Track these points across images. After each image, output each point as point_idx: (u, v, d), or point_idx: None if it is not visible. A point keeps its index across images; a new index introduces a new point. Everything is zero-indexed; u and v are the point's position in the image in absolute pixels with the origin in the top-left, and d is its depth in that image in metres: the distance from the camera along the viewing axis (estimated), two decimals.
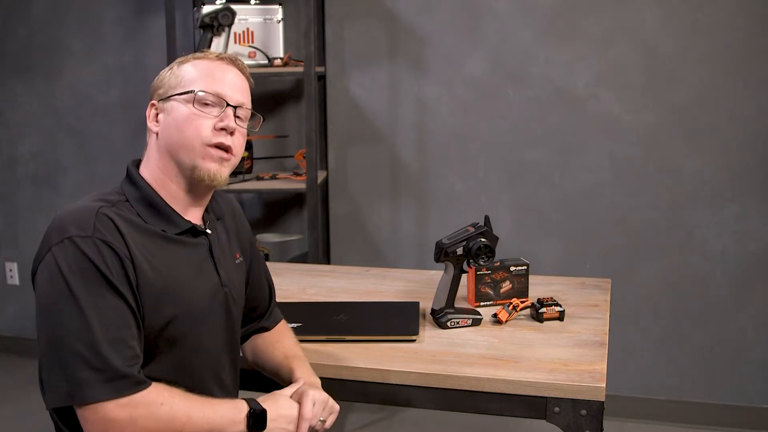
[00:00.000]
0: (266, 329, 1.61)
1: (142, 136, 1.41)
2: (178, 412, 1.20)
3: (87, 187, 3.31)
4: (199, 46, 2.86)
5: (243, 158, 2.94)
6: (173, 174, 1.36)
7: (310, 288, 2.08)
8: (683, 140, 2.83)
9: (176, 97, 1.35)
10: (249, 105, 1.41)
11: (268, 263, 2.70)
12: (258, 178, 2.94)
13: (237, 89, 1.38)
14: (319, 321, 1.76)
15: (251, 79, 1.43)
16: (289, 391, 1.39)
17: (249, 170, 2.98)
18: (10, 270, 3.64)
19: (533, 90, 2.93)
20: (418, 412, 2.94)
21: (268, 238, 3.01)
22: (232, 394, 1.45)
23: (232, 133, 1.36)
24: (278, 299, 1.95)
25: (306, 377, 1.44)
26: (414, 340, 1.66)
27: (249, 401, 1.30)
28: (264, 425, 1.28)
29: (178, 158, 1.35)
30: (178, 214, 1.36)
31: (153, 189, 1.35)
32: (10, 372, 3.46)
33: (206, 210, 1.44)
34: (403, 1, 3.01)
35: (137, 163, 1.40)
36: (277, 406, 1.33)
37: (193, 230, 1.38)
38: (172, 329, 1.30)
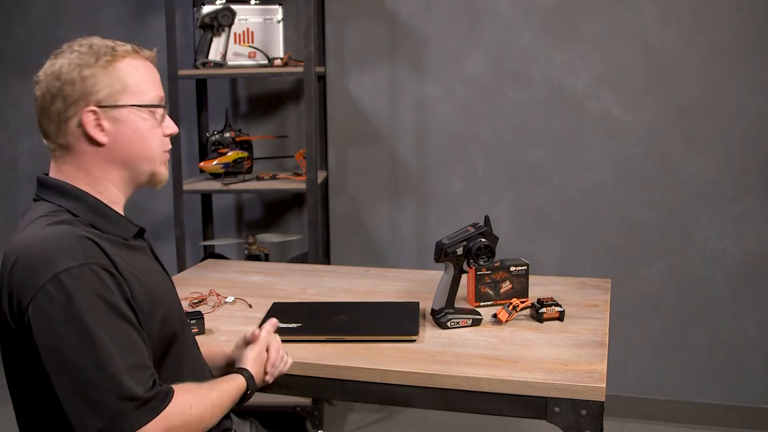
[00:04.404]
0: None
1: None
2: (203, 408, 1.26)
3: None
4: (199, 47, 2.86)
5: (243, 158, 2.94)
6: (120, 181, 1.33)
7: (310, 288, 2.08)
8: (683, 140, 2.83)
9: (132, 108, 1.29)
10: None
11: (268, 263, 2.71)
12: (258, 178, 2.94)
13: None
14: (319, 321, 1.76)
15: None
16: (254, 350, 1.48)
17: (249, 170, 2.98)
18: None
19: (533, 90, 2.93)
20: (418, 412, 2.94)
21: (268, 238, 3.01)
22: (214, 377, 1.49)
23: None
24: (278, 299, 1.95)
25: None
26: (414, 340, 1.65)
27: (239, 372, 1.41)
28: (254, 387, 1.43)
29: (136, 168, 1.33)
30: (125, 218, 1.34)
31: (95, 198, 1.30)
32: None
33: None
34: (403, 1, 3.01)
35: (50, 177, 1.32)
36: (253, 363, 1.45)
37: (140, 232, 1.37)
38: (165, 330, 1.31)
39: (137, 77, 1.31)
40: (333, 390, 1.57)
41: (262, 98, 3.22)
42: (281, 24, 2.91)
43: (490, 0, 2.93)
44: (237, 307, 1.94)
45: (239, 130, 2.97)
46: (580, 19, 2.86)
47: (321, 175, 3.01)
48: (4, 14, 3.46)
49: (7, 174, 3.60)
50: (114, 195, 1.33)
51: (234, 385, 1.38)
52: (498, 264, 1.87)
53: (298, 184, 2.85)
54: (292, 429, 2.94)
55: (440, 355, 1.58)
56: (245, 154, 2.95)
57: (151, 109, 1.32)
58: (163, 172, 1.37)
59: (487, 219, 1.75)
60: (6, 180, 3.60)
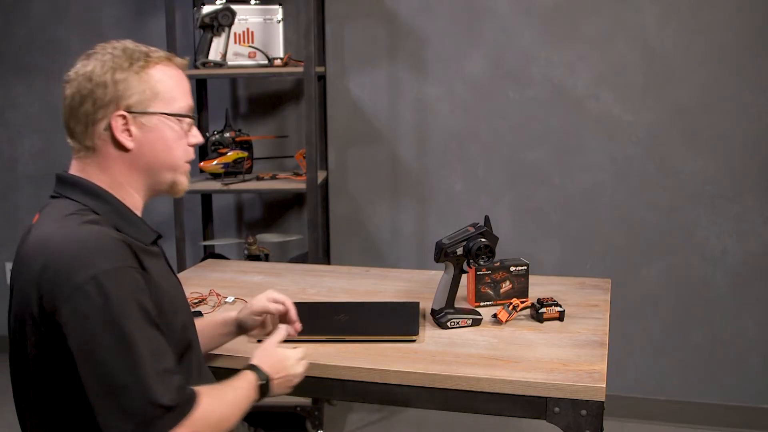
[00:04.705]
0: None
1: None
2: (224, 409, 1.27)
3: None
4: (199, 47, 2.86)
5: (243, 158, 2.94)
6: (141, 187, 1.33)
7: (310, 288, 2.08)
8: (683, 140, 2.83)
9: (161, 116, 1.29)
10: None
11: (268, 263, 2.71)
12: (258, 178, 2.93)
13: None
14: (319, 321, 1.75)
15: None
16: (273, 341, 1.47)
17: (249, 170, 2.98)
18: (10, 270, 3.64)
19: (533, 90, 2.93)
20: (418, 412, 2.94)
21: (268, 238, 3.00)
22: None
23: None
24: None
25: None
26: (414, 340, 1.65)
27: (252, 369, 1.38)
28: (269, 390, 1.39)
29: (158, 175, 1.33)
30: (146, 224, 1.34)
31: (119, 200, 1.30)
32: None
33: None
34: (403, 1, 3.01)
35: (72, 174, 1.31)
36: (272, 363, 1.41)
37: (157, 238, 1.37)
38: (183, 337, 1.33)
39: (169, 85, 1.30)
40: (333, 390, 1.57)
41: (262, 98, 3.22)
42: (281, 24, 2.91)
43: (490, 0, 2.93)
44: (237, 307, 1.94)
45: (239, 130, 2.97)
46: (580, 19, 2.86)
47: (321, 175, 3.01)
48: (4, 14, 3.46)
49: (7, 174, 3.60)
50: (134, 200, 1.33)
51: (245, 381, 1.36)
52: (498, 264, 1.87)
53: (298, 184, 2.85)
54: (292, 429, 2.94)
55: (440, 355, 1.58)
56: (245, 154, 2.95)
57: (180, 118, 1.32)
58: (184, 181, 1.36)
59: (487, 219, 1.75)
60: (6, 180, 3.60)
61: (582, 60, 2.87)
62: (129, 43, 1.31)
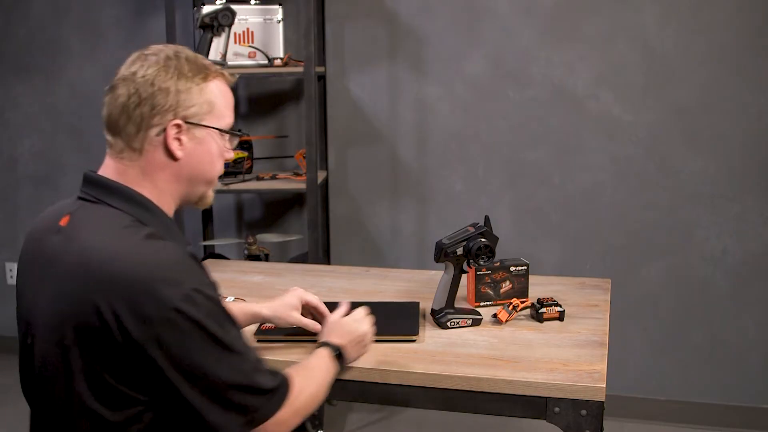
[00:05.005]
0: None
1: None
2: (312, 388, 1.36)
3: None
4: (199, 47, 2.86)
5: (243, 158, 2.94)
6: (178, 196, 1.33)
7: (310, 288, 2.06)
8: (683, 140, 2.83)
9: (212, 131, 1.31)
10: None
11: (268, 263, 2.71)
12: (258, 178, 2.94)
13: None
14: (319, 321, 1.75)
15: None
16: (336, 316, 1.57)
17: (249, 170, 2.98)
18: (10, 270, 3.64)
19: (533, 90, 2.93)
20: (418, 412, 2.94)
21: (268, 238, 3.00)
22: None
23: None
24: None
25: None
26: (414, 340, 1.65)
27: (322, 346, 1.47)
28: (345, 357, 1.49)
29: (195, 187, 1.34)
30: (181, 234, 1.36)
31: (162, 211, 1.30)
32: (10, 372, 3.46)
33: None
34: (403, 1, 3.01)
35: (114, 181, 1.28)
36: (339, 334, 1.51)
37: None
38: None
39: (221, 101, 1.32)
40: (333, 390, 1.56)
41: (262, 98, 3.22)
42: (281, 24, 2.91)
43: (490, 0, 2.93)
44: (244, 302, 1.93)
45: (239, 130, 2.96)
46: (580, 19, 2.86)
47: (321, 175, 3.01)
48: (4, 14, 3.46)
49: (7, 174, 3.60)
50: (170, 208, 1.33)
51: (320, 357, 1.44)
52: (498, 264, 1.87)
53: (298, 184, 2.85)
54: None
55: (440, 355, 1.58)
56: (245, 154, 2.95)
57: (225, 134, 1.34)
58: (212, 195, 1.39)
59: (487, 219, 1.75)
60: (6, 180, 3.60)
61: (582, 60, 2.87)
62: (188, 52, 1.32)
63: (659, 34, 2.79)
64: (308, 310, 1.67)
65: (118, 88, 1.26)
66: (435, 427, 2.95)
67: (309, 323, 1.61)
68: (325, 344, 1.48)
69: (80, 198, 1.30)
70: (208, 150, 1.31)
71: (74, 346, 1.18)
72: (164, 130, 1.26)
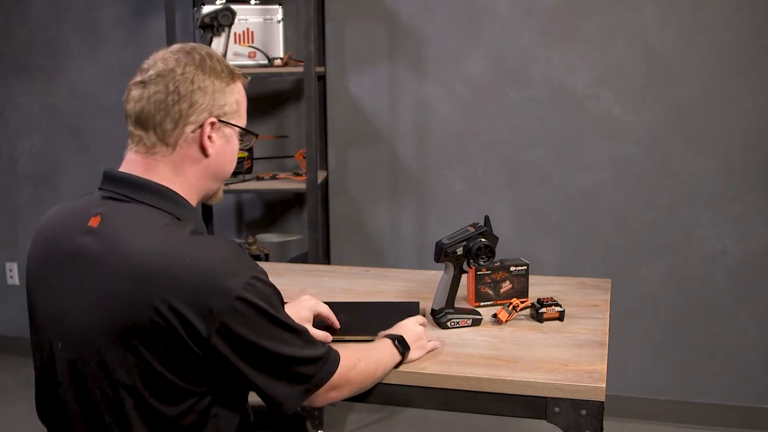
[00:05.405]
0: None
1: None
2: (369, 366, 1.43)
3: (87, 187, 3.31)
4: None
5: (243, 158, 2.94)
6: (202, 192, 1.38)
7: (310, 288, 2.08)
8: (683, 140, 2.83)
9: (236, 129, 1.38)
10: None
11: (268, 263, 2.71)
12: (258, 178, 2.94)
13: None
14: (319, 321, 1.75)
15: None
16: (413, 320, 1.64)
17: (249, 170, 2.98)
18: (10, 270, 3.64)
19: (533, 90, 2.94)
20: (418, 412, 2.94)
21: (268, 238, 3.01)
22: None
23: None
24: None
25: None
26: None
27: (389, 337, 1.53)
28: (407, 346, 1.53)
29: (216, 183, 1.40)
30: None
31: (192, 206, 1.35)
32: (10, 372, 3.46)
33: None
34: (403, 1, 3.01)
35: (143, 178, 1.29)
36: (407, 330, 1.57)
37: None
38: None
39: (243, 102, 1.40)
40: None
41: (262, 98, 3.22)
42: (281, 24, 2.92)
43: (490, 0, 2.93)
44: None
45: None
46: (580, 19, 2.86)
47: (321, 175, 3.01)
48: (4, 14, 3.46)
49: (7, 174, 3.60)
50: (195, 203, 1.37)
51: (383, 344, 1.51)
52: (498, 264, 1.87)
53: (298, 184, 2.85)
54: (292, 429, 2.93)
55: (440, 355, 1.58)
56: (245, 154, 2.95)
57: (244, 133, 1.41)
58: (222, 192, 1.45)
59: (487, 219, 1.75)
60: (6, 180, 3.60)
61: (582, 60, 2.87)
62: (214, 52, 1.37)
63: (659, 34, 2.79)
64: (320, 320, 1.69)
65: (152, 84, 1.28)
66: (435, 427, 2.95)
67: (321, 335, 1.60)
68: (388, 336, 1.54)
69: (106, 197, 1.29)
70: (232, 148, 1.38)
71: (121, 348, 1.20)
72: (200, 127, 1.30)
